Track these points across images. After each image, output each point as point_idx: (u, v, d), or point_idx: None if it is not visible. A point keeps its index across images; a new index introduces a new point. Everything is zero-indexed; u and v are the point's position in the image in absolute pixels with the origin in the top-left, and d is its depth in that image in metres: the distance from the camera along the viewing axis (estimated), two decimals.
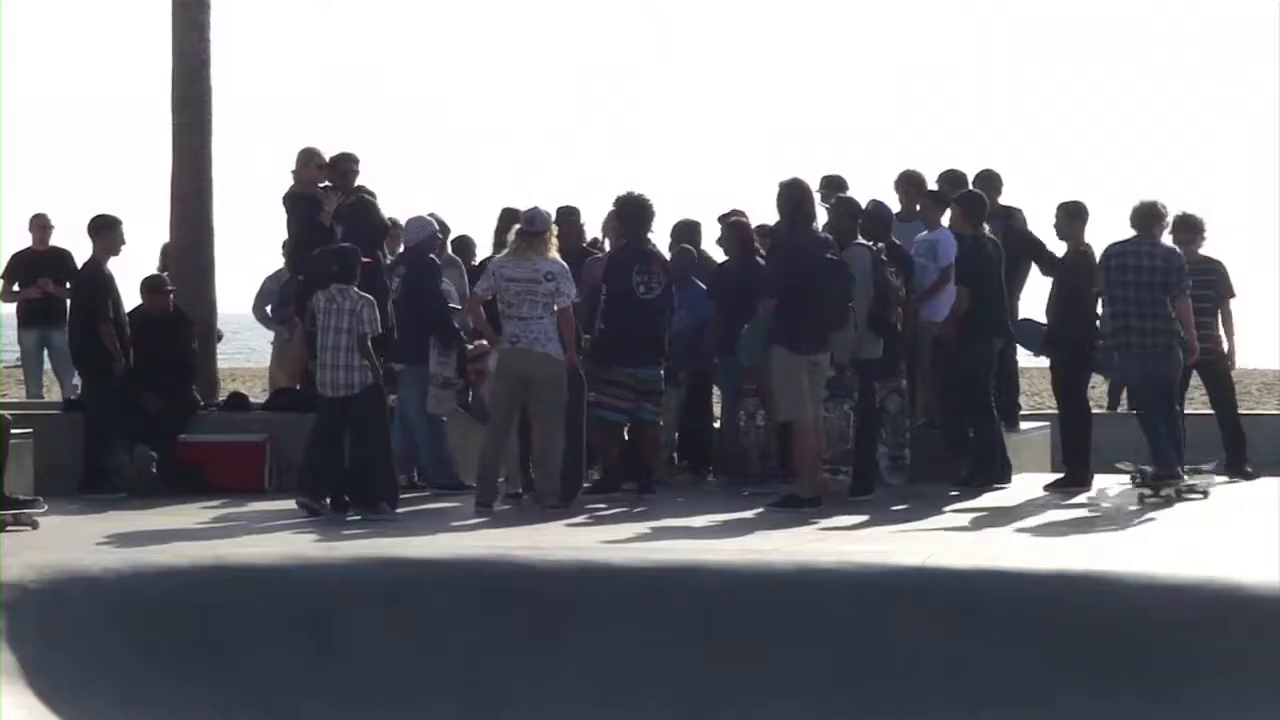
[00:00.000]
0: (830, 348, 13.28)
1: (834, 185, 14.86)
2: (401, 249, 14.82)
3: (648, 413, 14.08)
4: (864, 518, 12.69)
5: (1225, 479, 14.96)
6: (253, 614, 9.81)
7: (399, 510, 12.88)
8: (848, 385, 13.83)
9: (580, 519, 12.69)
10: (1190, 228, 15.20)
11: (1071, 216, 14.35)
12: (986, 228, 14.60)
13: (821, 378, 13.34)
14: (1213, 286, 15.27)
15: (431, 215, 14.87)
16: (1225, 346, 15.53)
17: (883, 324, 13.86)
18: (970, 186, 15.50)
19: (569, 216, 15.23)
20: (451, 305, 14.39)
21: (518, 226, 13.17)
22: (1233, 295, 15.59)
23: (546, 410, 13.06)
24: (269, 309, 16.17)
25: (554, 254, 13.14)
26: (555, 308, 12.99)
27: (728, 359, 14.24)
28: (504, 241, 13.59)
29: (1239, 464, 15.37)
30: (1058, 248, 14.80)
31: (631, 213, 14.16)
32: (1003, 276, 14.54)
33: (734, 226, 14.81)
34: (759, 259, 14.53)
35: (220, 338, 17.01)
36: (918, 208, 15.20)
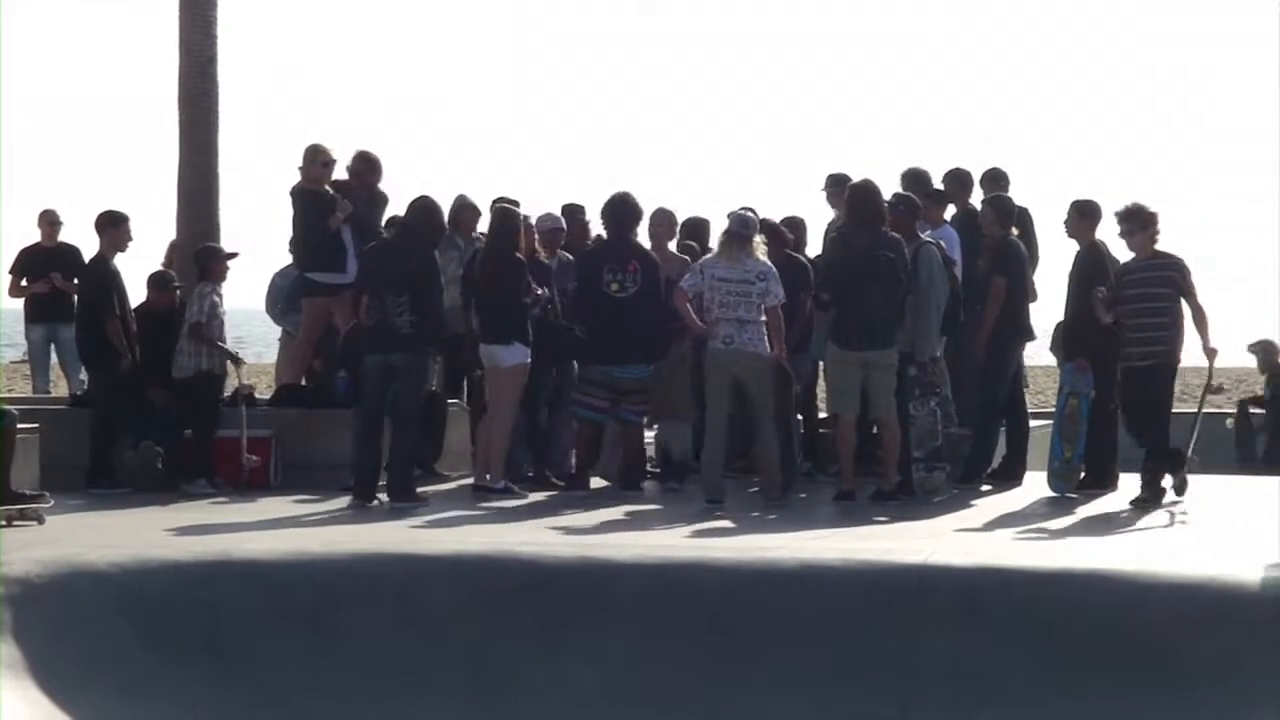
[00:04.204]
0: (884, 345, 13.30)
1: (839, 183, 15.00)
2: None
3: (630, 413, 14.09)
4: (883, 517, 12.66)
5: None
6: (257, 609, 9.85)
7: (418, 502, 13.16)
8: (934, 381, 13.85)
9: (581, 516, 12.68)
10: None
11: (1082, 215, 14.19)
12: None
13: (885, 375, 13.36)
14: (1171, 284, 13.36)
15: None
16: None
17: (951, 321, 13.91)
18: (978, 183, 15.55)
19: (575, 214, 15.30)
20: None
21: (726, 228, 13.29)
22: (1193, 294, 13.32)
23: (760, 410, 13.24)
24: (278, 307, 16.15)
25: (761, 255, 13.26)
26: (764, 307, 13.11)
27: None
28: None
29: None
30: (1068, 246, 14.60)
31: (611, 210, 14.14)
32: (1029, 279, 14.54)
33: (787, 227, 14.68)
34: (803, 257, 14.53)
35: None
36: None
